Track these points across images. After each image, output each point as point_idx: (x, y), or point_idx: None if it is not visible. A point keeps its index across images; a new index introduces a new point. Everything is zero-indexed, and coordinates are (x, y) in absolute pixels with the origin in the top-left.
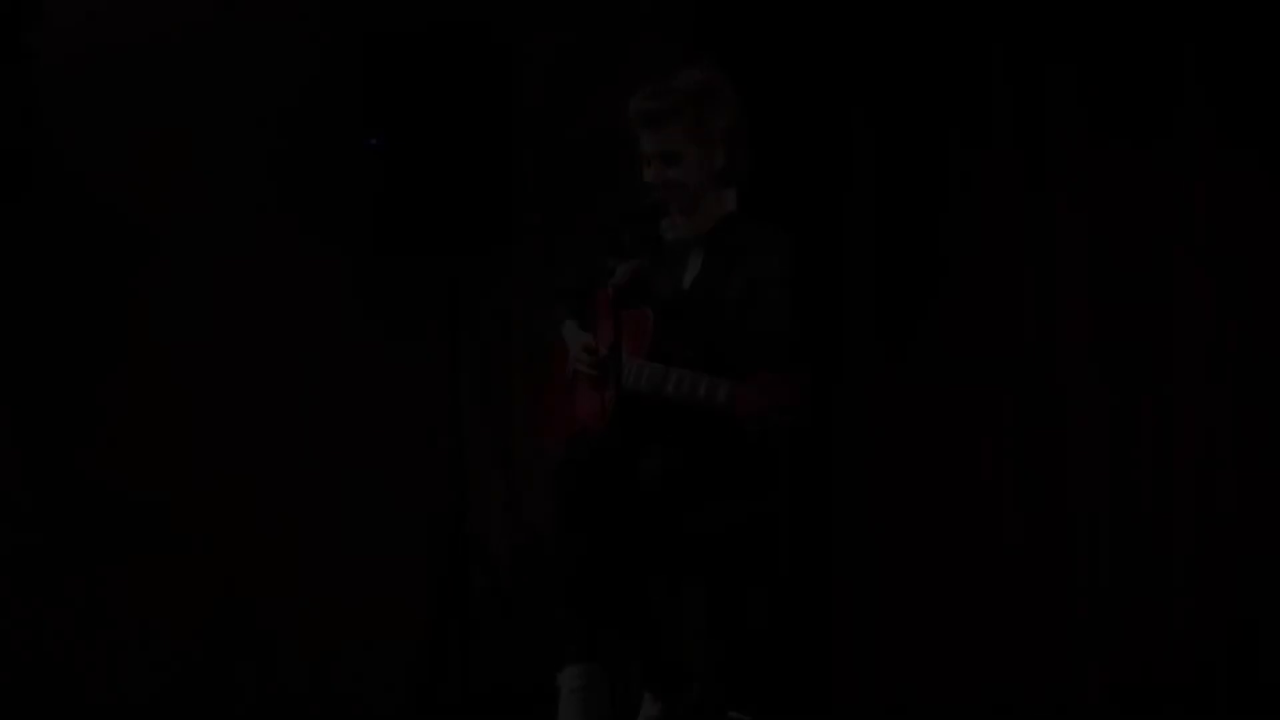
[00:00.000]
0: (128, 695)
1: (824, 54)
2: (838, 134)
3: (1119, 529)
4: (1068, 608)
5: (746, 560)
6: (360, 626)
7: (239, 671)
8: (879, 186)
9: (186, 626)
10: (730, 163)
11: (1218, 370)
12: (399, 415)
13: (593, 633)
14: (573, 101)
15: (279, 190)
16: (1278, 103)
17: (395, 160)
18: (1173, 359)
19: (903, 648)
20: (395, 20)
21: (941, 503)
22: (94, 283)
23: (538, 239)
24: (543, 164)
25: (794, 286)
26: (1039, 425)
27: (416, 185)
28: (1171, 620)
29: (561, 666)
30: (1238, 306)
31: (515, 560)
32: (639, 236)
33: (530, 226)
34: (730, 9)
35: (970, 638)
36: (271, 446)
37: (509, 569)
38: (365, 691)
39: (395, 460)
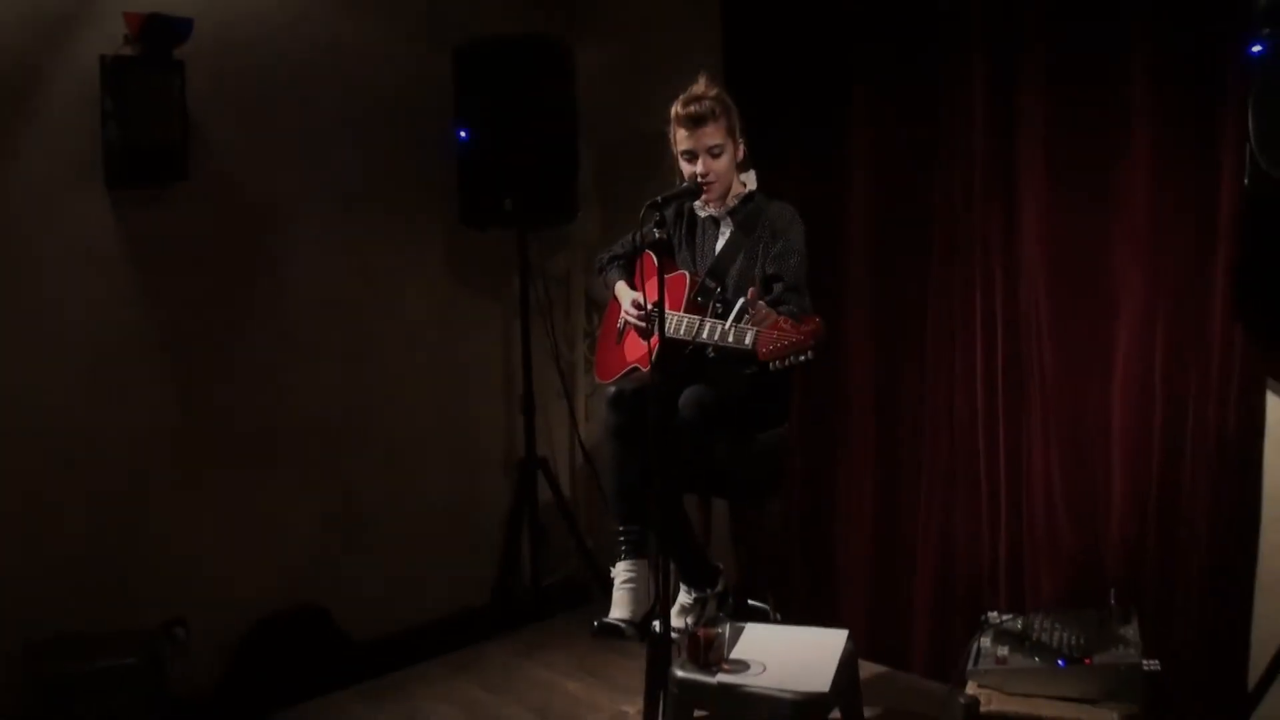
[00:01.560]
0: (261, 580)
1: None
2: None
3: (1068, 452)
4: (1026, 517)
5: (765, 478)
6: (450, 529)
7: (352, 563)
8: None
9: (311, 524)
10: (742, 153)
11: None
12: (481, 358)
13: (639, 536)
14: (622, 103)
15: (385, 173)
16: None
17: (479, 149)
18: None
19: (891, 553)
20: (480, 33)
21: (924, 430)
22: (237, 251)
23: (595, 215)
24: (599, 154)
25: (806, 251)
26: (1010, 374)
27: (496, 170)
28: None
29: (613, 563)
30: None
31: (574, 477)
32: (677, 213)
33: (589, 205)
34: (748, 31)
35: (949, 544)
36: (380, 383)
37: (569, 484)
38: (453, 583)
39: (479, 395)
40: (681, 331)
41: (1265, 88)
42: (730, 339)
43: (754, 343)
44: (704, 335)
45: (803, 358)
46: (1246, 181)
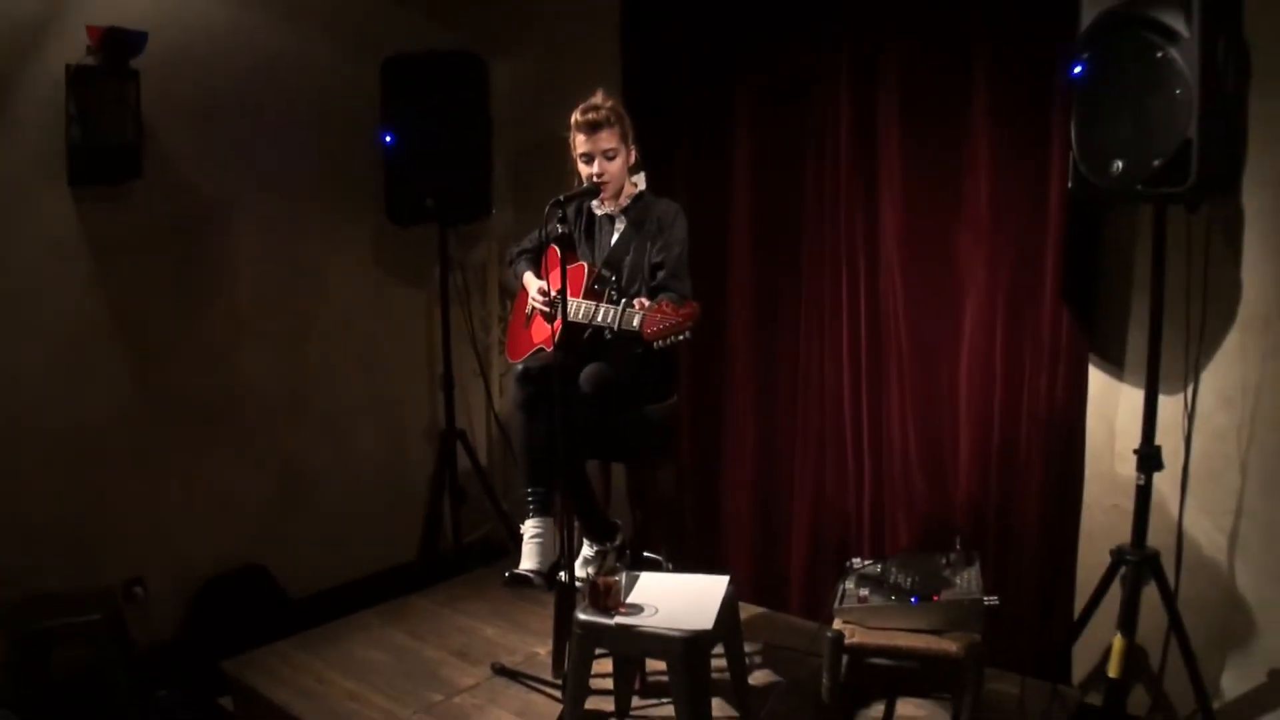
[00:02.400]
0: (210, 542)
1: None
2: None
3: (922, 419)
4: (886, 476)
5: (658, 444)
6: (380, 495)
7: (292, 526)
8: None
9: (255, 491)
10: (634, 158)
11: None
12: (406, 340)
13: (545, 496)
14: (532, 112)
15: (320, 174)
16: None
17: (404, 153)
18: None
19: (769, 510)
20: (405, 48)
21: (798, 401)
22: (186, 243)
23: (508, 213)
24: (512, 158)
25: (688, 243)
26: (872, 351)
27: (419, 172)
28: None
29: (523, 520)
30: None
31: (490, 446)
32: (577, 211)
33: (503, 203)
34: (643, 46)
35: (819, 500)
36: (316, 363)
37: (486, 453)
38: (383, 542)
39: (404, 374)
40: (581, 315)
41: (1084, 104)
42: (621, 321)
43: (640, 324)
44: (599, 318)
45: (682, 336)
46: (1070, 185)
